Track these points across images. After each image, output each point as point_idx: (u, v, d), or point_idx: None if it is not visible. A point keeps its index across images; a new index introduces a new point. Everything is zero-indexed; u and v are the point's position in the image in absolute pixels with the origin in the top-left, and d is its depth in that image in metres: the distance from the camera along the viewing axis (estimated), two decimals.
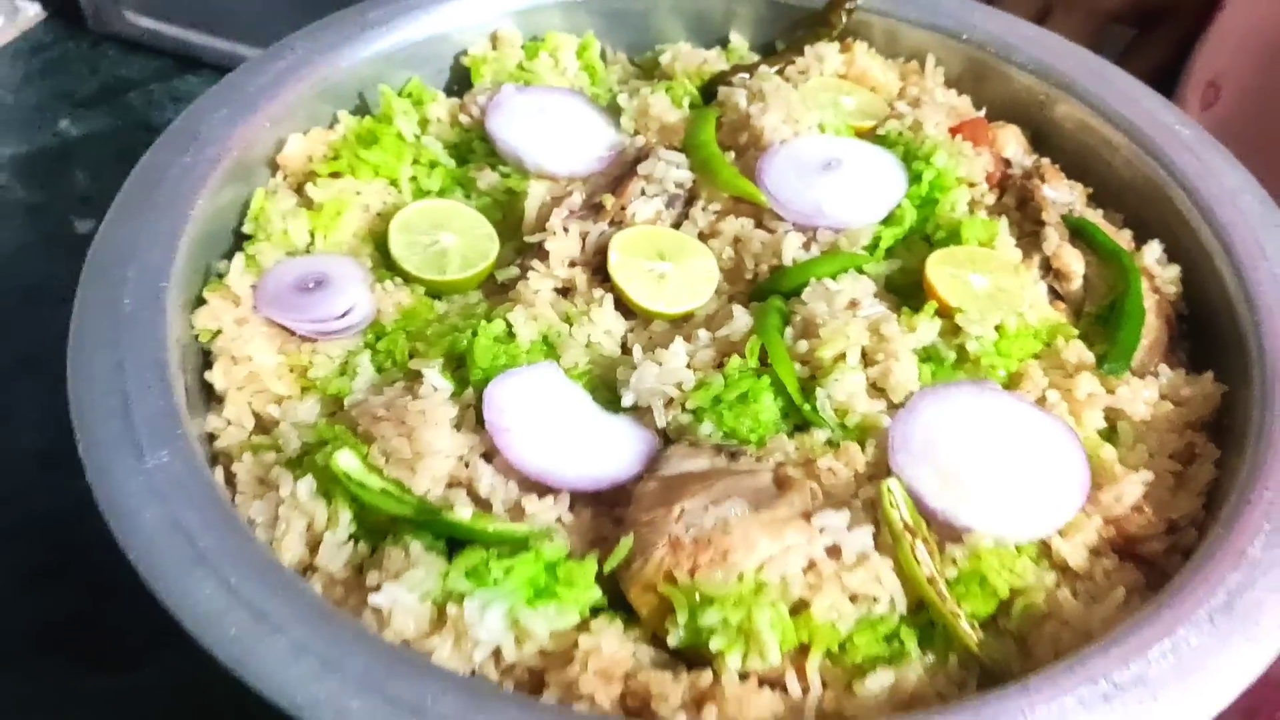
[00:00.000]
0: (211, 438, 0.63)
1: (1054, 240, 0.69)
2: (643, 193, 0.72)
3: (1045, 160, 0.75)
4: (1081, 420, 0.62)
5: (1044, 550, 0.57)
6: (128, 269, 0.63)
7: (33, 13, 1.40)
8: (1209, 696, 0.48)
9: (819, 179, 0.71)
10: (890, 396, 0.61)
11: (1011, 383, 0.63)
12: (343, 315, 0.66)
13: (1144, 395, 0.63)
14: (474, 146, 0.77)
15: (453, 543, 0.56)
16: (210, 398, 0.65)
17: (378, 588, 0.53)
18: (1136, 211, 0.74)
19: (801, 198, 0.70)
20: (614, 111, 0.79)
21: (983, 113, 0.79)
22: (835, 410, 0.61)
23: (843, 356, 0.62)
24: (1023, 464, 0.58)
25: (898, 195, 0.71)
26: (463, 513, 0.56)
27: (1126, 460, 0.61)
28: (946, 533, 0.57)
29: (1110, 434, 0.63)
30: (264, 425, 0.64)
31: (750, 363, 0.62)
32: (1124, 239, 0.71)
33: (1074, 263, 0.69)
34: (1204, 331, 0.68)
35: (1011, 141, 0.76)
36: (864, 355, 0.63)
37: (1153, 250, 0.70)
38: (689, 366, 0.63)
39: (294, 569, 0.55)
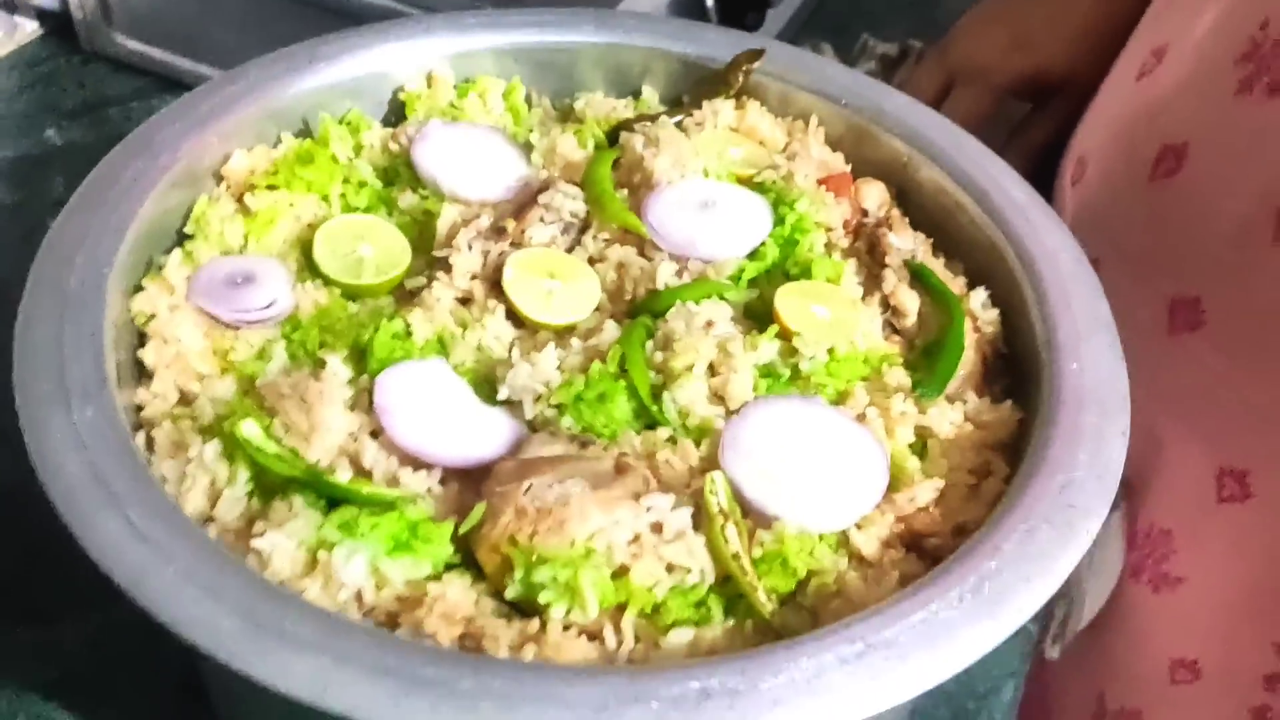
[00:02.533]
0: (139, 408, 0.72)
1: (892, 281, 0.79)
2: (541, 220, 0.82)
3: (896, 212, 0.85)
4: (893, 434, 0.71)
5: (843, 540, 0.66)
6: (77, 255, 0.72)
7: (30, 29, 1.51)
8: (950, 661, 0.57)
9: (695, 217, 0.81)
10: (728, 404, 0.71)
11: (838, 399, 0.73)
12: (265, 307, 0.75)
13: (950, 417, 0.73)
14: (400, 171, 0.87)
15: (333, 504, 0.65)
16: (141, 374, 0.74)
17: (262, 534, 0.62)
18: (976, 263, 0.84)
19: (679, 232, 0.80)
20: (528, 149, 0.89)
21: (848, 168, 0.89)
22: (678, 412, 0.70)
23: (691, 367, 0.72)
24: (832, 466, 0.68)
25: (763, 234, 0.81)
26: (343, 476, 0.65)
27: (928, 470, 0.70)
28: (760, 520, 0.66)
29: (922, 449, 0.72)
30: (186, 399, 0.73)
31: (610, 368, 0.72)
32: (958, 285, 0.81)
33: (909, 301, 0.78)
34: (1018, 368, 0.78)
35: (873, 195, 0.86)
36: (711, 368, 0.72)
37: (978, 296, 0.80)
38: (559, 369, 0.73)
39: (194, 517, 0.64)
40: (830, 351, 0.74)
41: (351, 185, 0.86)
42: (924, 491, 0.68)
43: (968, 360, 0.77)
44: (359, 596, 0.61)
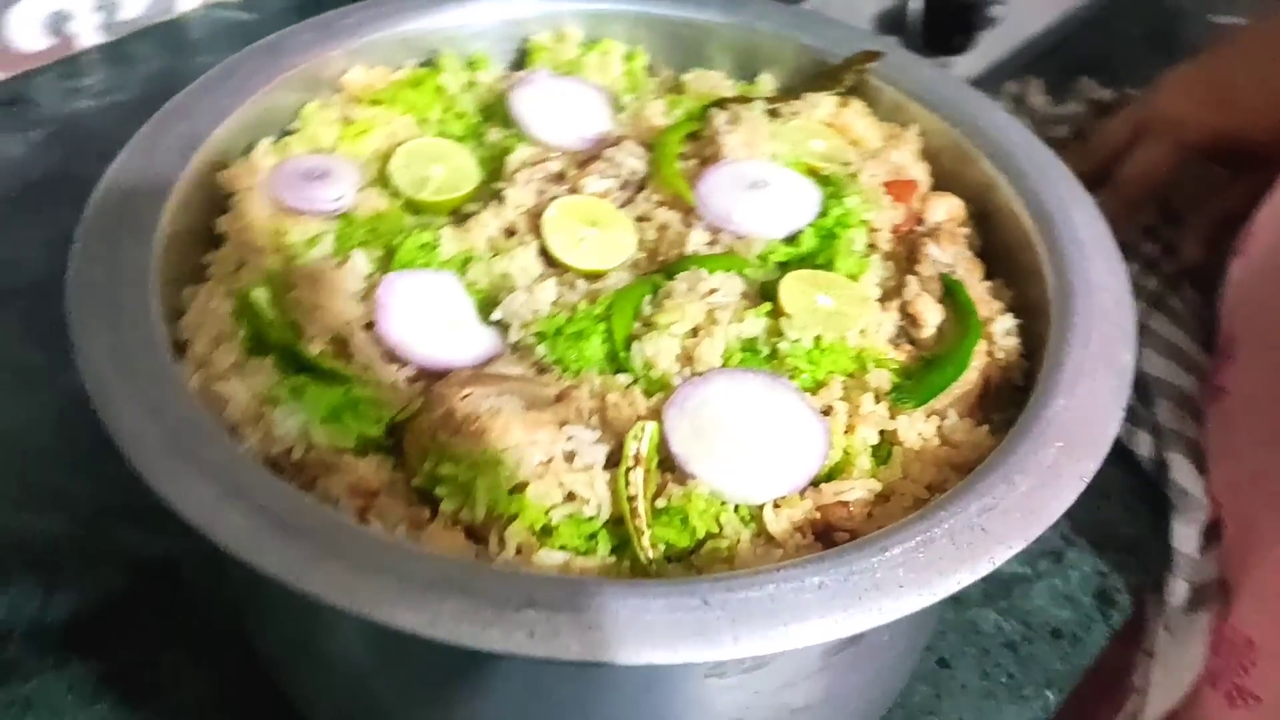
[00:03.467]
0: (205, 265, 0.82)
1: (914, 289, 0.77)
2: (601, 173, 0.85)
3: (955, 228, 0.83)
4: (854, 431, 0.70)
5: (756, 514, 0.66)
6: (180, 124, 0.82)
7: None
8: (777, 639, 0.57)
9: (742, 193, 0.82)
10: (694, 366, 0.72)
11: (811, 388, 0.72)
12: (330, 199, 0.83)
13: (920, 429, 0.71)
14: (497, 110, 0.92)
15: (303, 372, 0.71)
16: (218, 241, 0.83)
17: (227, 379, 0.69)
18: (1033, 294, 0.80)
19: (720, 204, 0.82)
20: (621, 110, 0.93)
21: (922, 178, 0.87)
22: (644, 362, 0.72)
23: (672, 325, 0.73)
24: (769, 444, 0.68)
25: (804, 221, 0.81)
26: (313, 348, 0.71)
27: (878, 473, 0.69)
28: (679, 477, 0.67)
29: (887, 454, 0.71)
30: (242, 269, 0.82)
31: (596, 310, 0.75)
32: (993, 309, 0.78)
33: (928, 312, 0.76)
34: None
35: (942, 208, 0.84)
36: (693, 331, 0.74)
37: (1004, 322, 0.77)
38: (555, 304, 0.76)
39: (195, 359, 0.72)
40: (817, 340, 0.73)
41: (451, 114, 0.92)
42: (854, 489, 0.67)
43: (967, 380, 0.74)
44: (289, 452, 0.67)
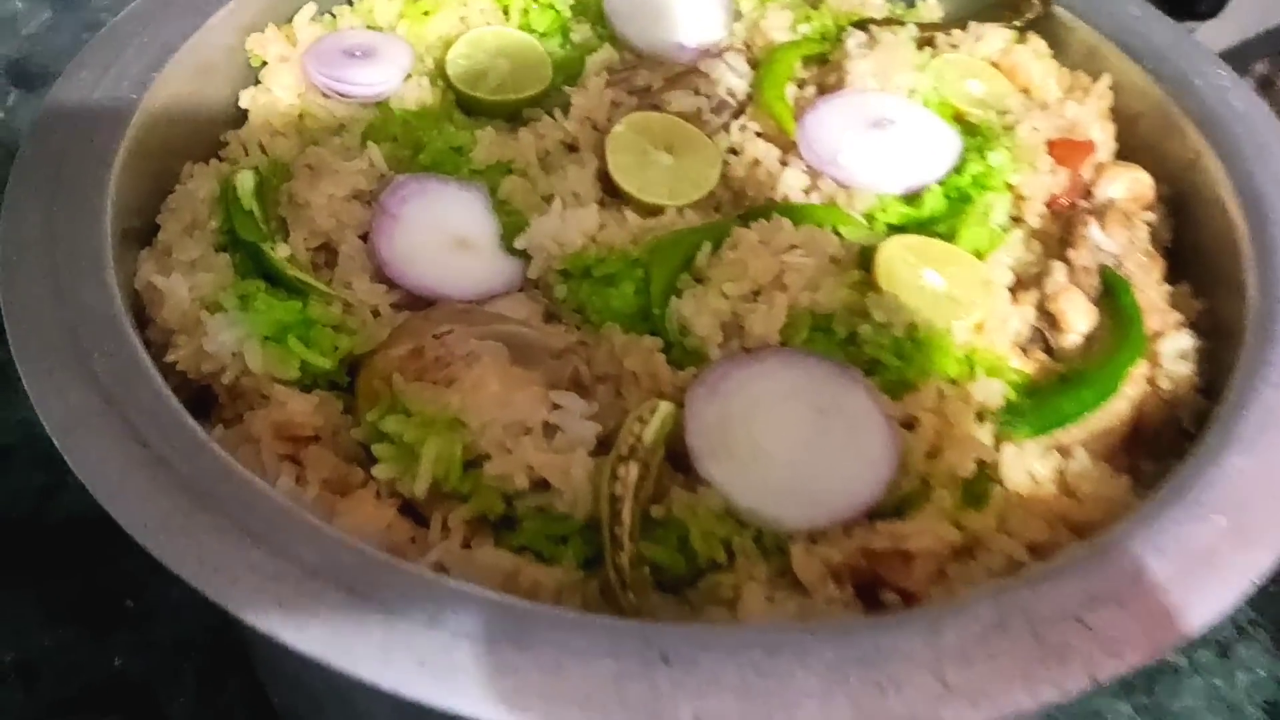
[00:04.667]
0: (223, 143, 0.70)
1: (1059, 280, 0.58)
2: (695, 89, 0.69)
3: (1129, 205, 0.63)
4: (939, 455, 0.52)
5: (782, 546, 0.50)
6: None
7: None
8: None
9: (856, 132, 0.65)
10: (744, 339, 0.56)
11: (894, 389, 0.55)
12: (368, 84, 0.70)
13: (1030, 467, 0.53)
14: (592, 5, 0.77)
15: (268, 279, 0.58)
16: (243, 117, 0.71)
17: (168, 272, 0.57)
18: (1224, 312, 0.60)
19: (825, 142, 0.64)
20: (739, 18, 0.76)
21: (1102, 142, 0.67)
22: (679, 324, 0.56)
23: (726, 282, 0.57)
24: (817, 453, 0.51)
25: (932, 177, 0.63)
26: (281, 251, 0.58)
27: (963, 517, 0.51)
28: (689, 481, 0.51)
29: (983, 492, 0.53)
30: (262, 148, 0.69)
31: (635, 253, 0.59)
32: (1165, 323, 0.59)
33: (1073, 314, 0.58)
34: None
35: (1121, 183, 0.64)
36: (754, 293, 0.57)
37: (1176, 341, 0.57)
38: (593, 238, 0.61)
39: (163, 241, 0.60)
40: (912, 328, 0.55)
41: (540, 4, 0.77)
42: (921, 537, 0.49)
43: (1114, 411, 0.55)
44: (222, 373, 0.54)
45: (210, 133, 0.70)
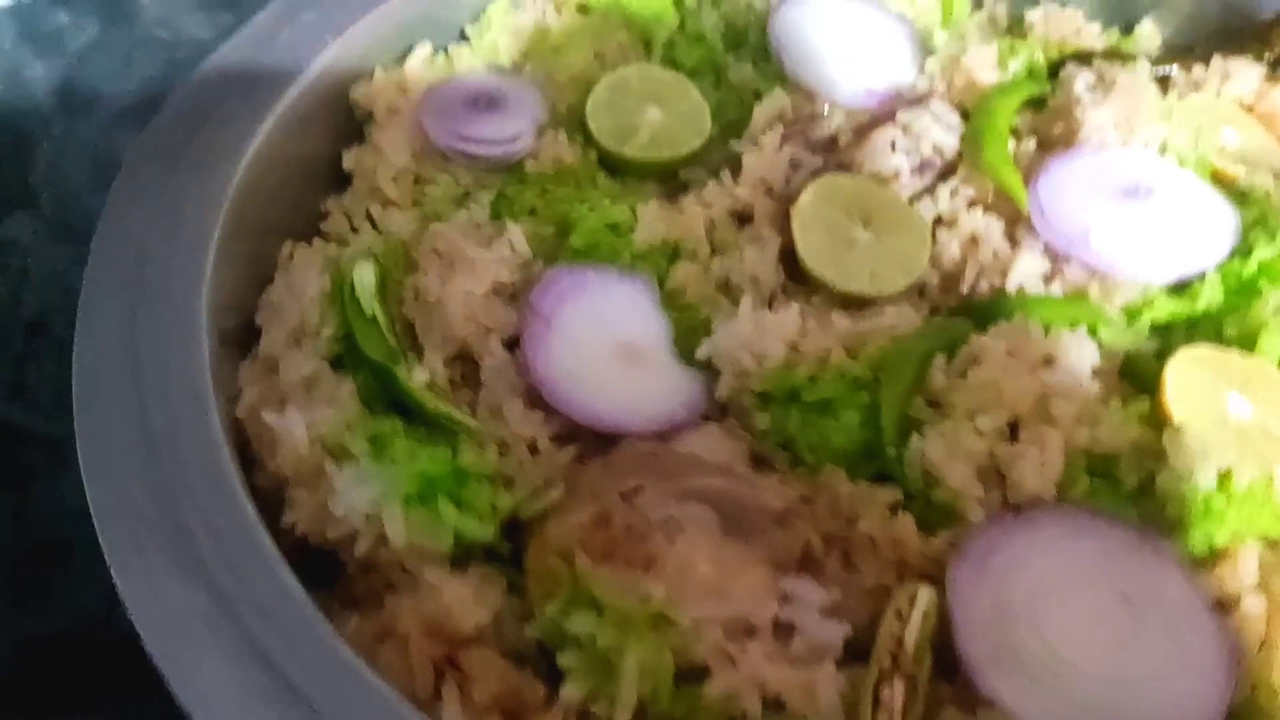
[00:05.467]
0: (324, 214, 0.59)
1: None
2: (892, 144, 0.57)
3: None
4: (1277, 650, 0.41)
5: None
6: (308, 12, 0.59)
7: None
8: None
9: (1109, 204, 0.53)
10: (1007, 491, 0.44)
11: (1205, 558, 0.43)
12: (500, 141, 0.58)
13: None
14: (750, 37, 0.65)
15: (395, 403, 0.47)
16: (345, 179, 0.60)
17: (282, 407, 0.45)
18: None
19: (1071, 218, 0.52)
20: (929, 54, 0.64)
21: None
22: (923, 470, 0.45)
23: (978, 413, 0.45)
24: (1130, 667, 0.39)
25: (1205, 264, 0.51)
26: (418, 376, 0.47)
27: None
28: (967, 696, 0.39)
29: None
30: (371, 221, 0.58)
31: (858, 370, 0.47)
32: None
33: None
34: None
35: None
36: (1013, 426, 0.45)
37: None
38: (794, 346, 0.49)
39: (269, 350, 0.49)
40: (1225, 476, 0.43)
41: (686, 35, 0.66)
42: None
43: None
44: (352, 538, 0.43)
45: (310, 202, 0.59)
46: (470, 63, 0.63)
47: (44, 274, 0.76)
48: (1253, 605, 0.42)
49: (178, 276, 0.48)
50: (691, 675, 0.39)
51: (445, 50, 0.63)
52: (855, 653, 0.40)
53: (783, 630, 0.40)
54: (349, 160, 0.59)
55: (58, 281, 0.76)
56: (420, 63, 0.61)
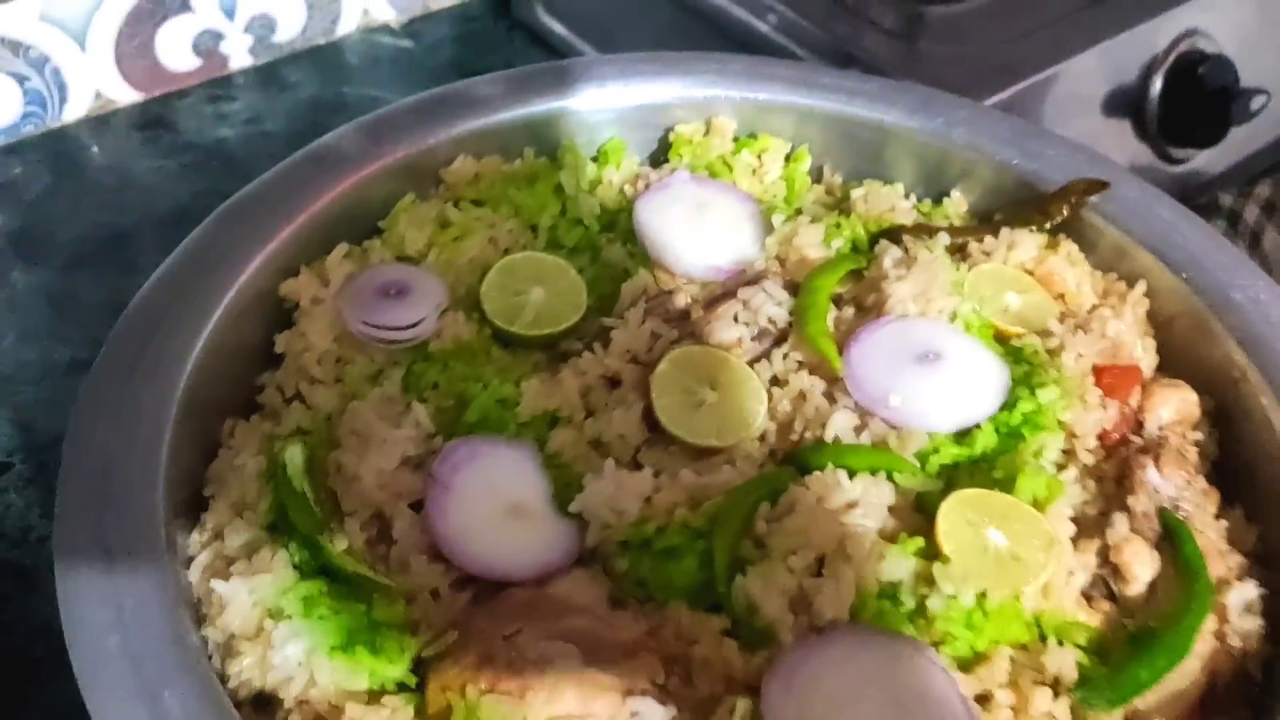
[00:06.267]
0: (260, 388, 0.69)
1: (1121, 530, 0.58)
2: (735, 317, 0.69)
3: (1189, 441, 0.63)
4: None
5: None
6: (239, 226, 0.70)
7: None
8: None
9: (905, 368, 0.65)
10: (813, 616, 0.55)
11: (967, 663, 0.55)
12: (406, 327, 0.69)
13: None
14: (623, 221, 0.77)
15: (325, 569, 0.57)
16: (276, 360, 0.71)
17: (227, 576, 0.56)
18: (1271, 532, 0.60)
19: (874, 380, 0.64)
20: (770, 231, 0.76)
21: (1147, 362, 0.67)
22: (748, 604, 0.56)
23: (792, 553, 0.57)
24: None
25: (983, 415, 0.63)
26: (339, 543, 0.57)
27: None
28: None
29: None
30: (300, 399, 0.69)
31: (696, 523, 0.58)
32: (1227, 567, 0.59)
33: (1137, 564, 0.58)
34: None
35: (1170, 407, 0.65)
36: (819, 562, 0.57)
37: (1244, 592, 0.57)
38: (648, 500, 0.60)
39: (214, 527, 0.60)
40: (981, 597, 0.55)
41: (567, 220, 0.78)
42: None
43: (1188, 674, 0.55)
44: (290, 682, 0.53)
45: (247, 380, 0.69)
46: (382, 254, 0.74)
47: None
48: (1004, 698, 0.53)
49: (139, 478, 0.58)
50: None
51: (360, 244, 0.75)
52: None
53: None
54: (280, 344, 0.70)
55: (18, 417, 0.87)
56: (339, 259, 0.72)
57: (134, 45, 1.18)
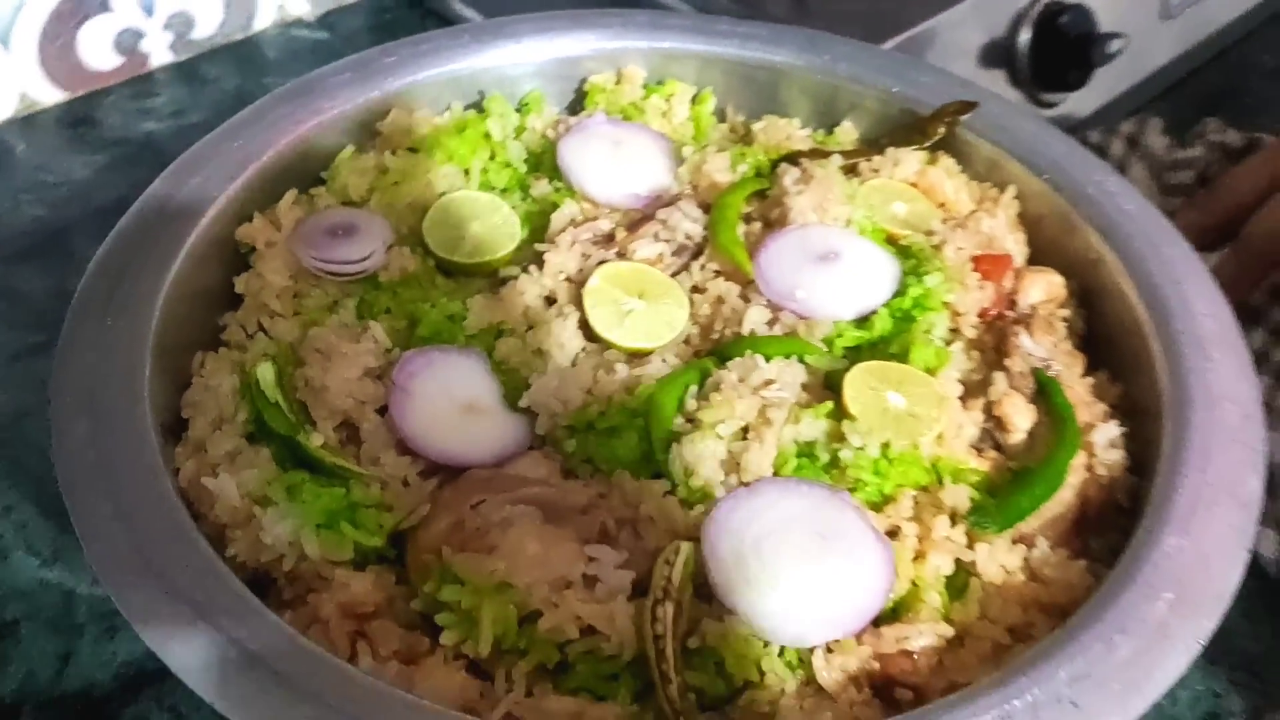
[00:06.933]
0: (223, 327, 0.75)
1: (1002, 387, 0.67)
2: (655, 236, 0.77)
3: (1052, 313, 0.72)
4: (924, 559, 0.60)
5: (804, 660, 0.57)
6: (195, 176, 0.76)
7: None
8: None
9: (808, 266, 0.73)
10: (741, 474, 0.63)
11: (877, 504, 0.63)
12: (355, 261, 0.76)
13: (1004, 560, 0.61)
14: (548, 160, 0.84)
15: (305, 464, 0.64)
16: (236, 300, 0.76)
17: (215, 473, 0.62)
18: (1143, 396, 0.70)
19: (781, 279, 0.73)
20: (682, 163, 0.84)
21: (1017, 251, 0.77)
22: (684, 468, 0.63)
23: (718, 424, 0.64)
24: (825, 575, 0.58)
25: (878, 301, 0.72)
26: (315, 440, 0.64)
27: (951, 612, 0.59)
28: (716, 610, 0.58)
29: (963, 587, 0.61)
30: (261, 332, 0.75)
31: (633, 404, 0.66)
32: (1096, 413, 0.68)
33: (1016, 415, 0.66)
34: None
35: (1038, 288, 0.74)
36: (743, 431, 0.65)
37: (1107, 431, 0.66)
38: (589, 391, 0.68)
39: (194, 441, 0.66)
40: (885, 447, 0.64)
41: (496, 163, 0.85)
42: (920, 636, 0.57)
43: (1062, 500, 0.64)
44: (280, 560, 0.60)
45: (211, 320, 0.75)
46: (327, 200, 0.80)
47: None
48: (909, 529, 0.62)
49: (122, 398, 0.64)
50: (529, 618, 0.56)
51: (308, 193, 0.81)
52: (640, 591, 0.58)
53: (589, 581, 0.58)
54: (240, 285, 0.76)
55: None
56: (288, 205, 0.78)
57: (56, 46, 1.20)
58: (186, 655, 0.52)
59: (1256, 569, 0.90)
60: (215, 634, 0.52)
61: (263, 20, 1.50)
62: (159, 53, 1.42)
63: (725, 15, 0.92)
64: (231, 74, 1.45)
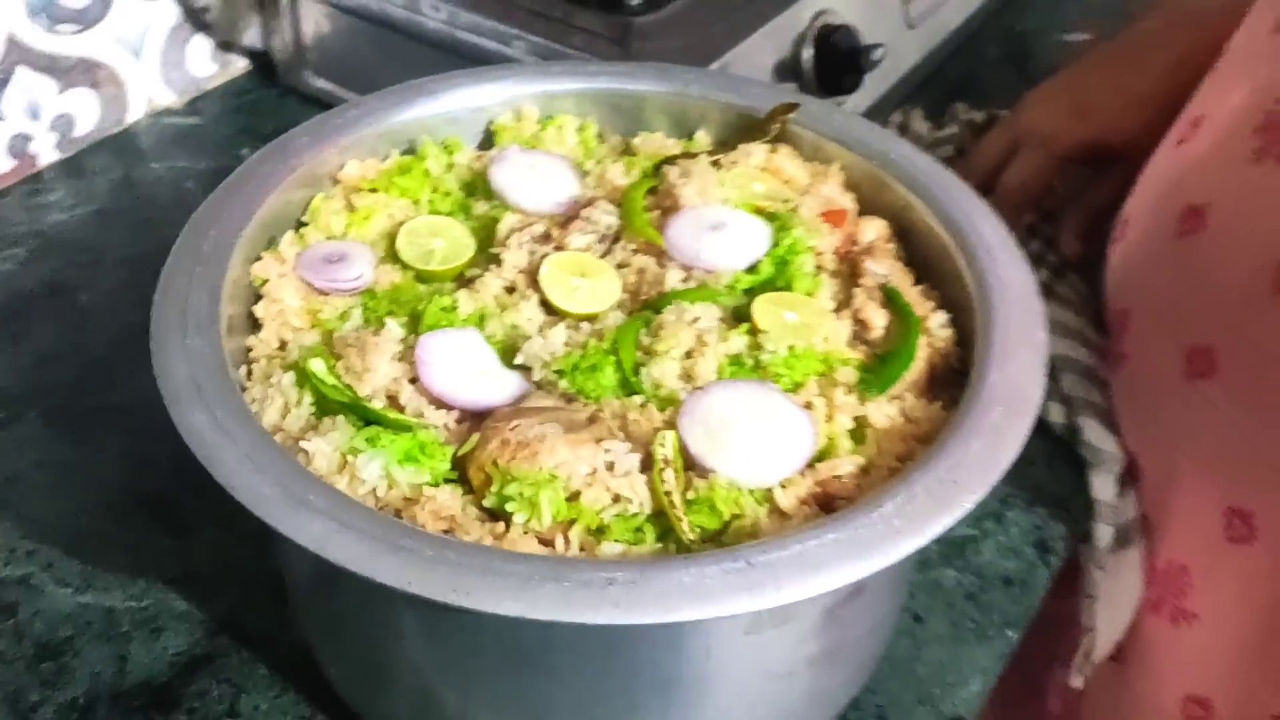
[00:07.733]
0: (249, 349, 0.93)
1: (861, 298, 0.93)
2: (581, 230, 0.99)
3: (886, 245, 0.99)
4: (833, 419, 0.85)
5: (767, 494, 0.81)
6: (212, 229, 0.94)
7: (240, 65, 1.78)
8: (812, 585, 0.71)
9: (705, 235, 0.97)
10: (694, 381, 0.86)
11: (792, 388, 0.87)
12: (351, 279, 0.95)
13: (887, 411, 0.86)
14: (479, 186, 1.06)
15: (369, 425, 0.83)
16: (254, 325, 0.95)
17: (309, 439, 0.81)
18: (954, 294, 0.97)
19: (688, 246, 0.96)
20: (586, 175, 1.07)
21: (852, 206, 1.03)
22: (652, 384, 0.86)
23: (669, 350, 0.87)
24: (769, 437, 0.82)
25: (760, 253, 0.96)
26: (377, 404, 0.84)
27: (857, 451, 0.84)
28: (700, 472, 0.81)
29: (862, 435, 0.86)
30: (283, 346, 0.93)
31: (604, 345, 0.88)
32: (927, 309, 0.94)
33: (875, 317, 0.92)
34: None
35: (871, 230, 1.00)
36: (689, 354, 0.88)
37: (938, 317, 0.93)
38: (566, 345, 0.90)
39: (268, 427, 0.84)
40: (791, 349, 0.88)
41: (439, 194, 1.06)
42: (844, 465, 0.82)
43: (916, 368, 0.90)
44: (374, 492, 0.79)
45: (236, 344, 0.93)
46: (315, 236, 1.00)
47: None
48: (819, 403, 0.86)
49: (221, 391, 0.82)
50: (573, 497, 0.78)
51: (298, 231, 1.00)
52: (644, 467, 0.81)
53: (609, 466, 0.80)
54: (260, 310, 0.94)
55: None
56: (289, 243, 0.97)
57: None
58: (345, 551, 0.71)
59: (1050, 434, 1.20)
60: (360, 534, 0.72)
61: (135, 113, 1.66)
62: (46, 152, 1.57)
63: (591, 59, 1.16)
64: (113, 164, 1.61)
